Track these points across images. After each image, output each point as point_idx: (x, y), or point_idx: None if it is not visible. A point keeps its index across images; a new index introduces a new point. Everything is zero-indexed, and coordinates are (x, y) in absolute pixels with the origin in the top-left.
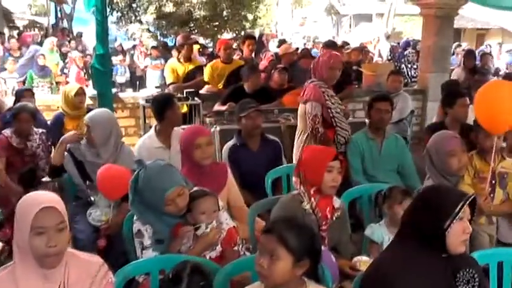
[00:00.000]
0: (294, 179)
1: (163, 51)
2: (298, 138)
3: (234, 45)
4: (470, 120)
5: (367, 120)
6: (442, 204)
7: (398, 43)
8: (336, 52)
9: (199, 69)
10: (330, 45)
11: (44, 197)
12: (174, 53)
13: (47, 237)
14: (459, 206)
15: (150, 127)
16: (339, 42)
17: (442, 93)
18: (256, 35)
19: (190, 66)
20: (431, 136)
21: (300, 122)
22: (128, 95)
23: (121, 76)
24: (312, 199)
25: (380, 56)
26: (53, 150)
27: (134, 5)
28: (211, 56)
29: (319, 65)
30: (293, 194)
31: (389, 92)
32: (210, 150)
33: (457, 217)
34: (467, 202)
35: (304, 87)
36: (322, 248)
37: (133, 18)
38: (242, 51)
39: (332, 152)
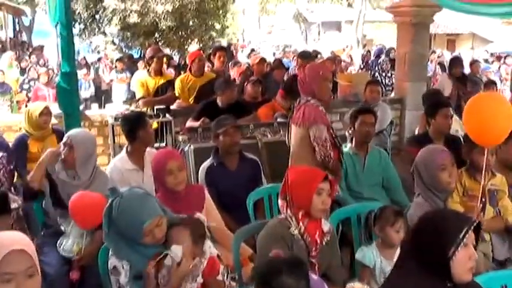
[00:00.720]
0: (280, 202)
1: (129, 64)
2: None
3: None
4: (454, 131)
5: (348, 134)
6: (445, 230)
7: (369, 51)
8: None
9: (171, 83)
10: (307, 56)
11: (10, 239)
12: (140, 65)
13: (15, 285)
14: (463, 232)
15: (120, 146)
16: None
17: (424, 104)
18: (224, 44)
19: (161, 81)
20: (419, 150)
21: (298, 146)
22: (95, 112)
23: (85, 91)
24: (301, 223)
25: (352, 64)
26: (16, 174)
27: (98, 16)
28: (178, 68)
29: (307, 81)
30: (280, 218)
31: (367, 103)
32: (182, 175)
33: (462, 244)
34: (472, 227)
35: (297, 109)
36: (314, 276)
37: (96, 30)
38: (212, 63)
39: (321, 173)
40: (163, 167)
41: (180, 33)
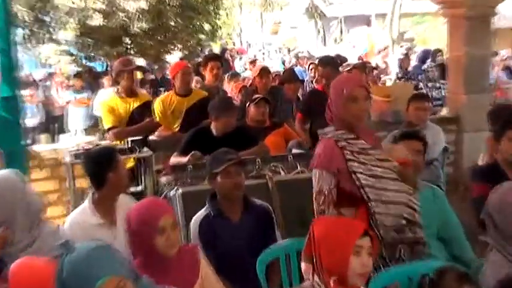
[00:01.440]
0: (303, 265)
1: (90, 81)
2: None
3: None
4: None
5: None
6: None
7: (406, 54)
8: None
9: (148, 106)
10: (328, 62)
11: None
12: (106, 82)
13: None
14: None
15: (82, 193)
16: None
17: (491, 123)
18: (217, 51)
19: (135, 103)
20: (487, 187)
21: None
22: (46, 147)
23: (32, 118)
24: None
25: (387, 72)
26: None
27: (47, 19)
28: (157, 85)
29: (331, 100)
30: (302, 287)
31: (411, 124)
32: (176, 235)
33: None
34: None
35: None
36: None
37: (46, 36)
38: (203, 77)
39: (359, 226)
40: (153, 225)
41: (158, 37)
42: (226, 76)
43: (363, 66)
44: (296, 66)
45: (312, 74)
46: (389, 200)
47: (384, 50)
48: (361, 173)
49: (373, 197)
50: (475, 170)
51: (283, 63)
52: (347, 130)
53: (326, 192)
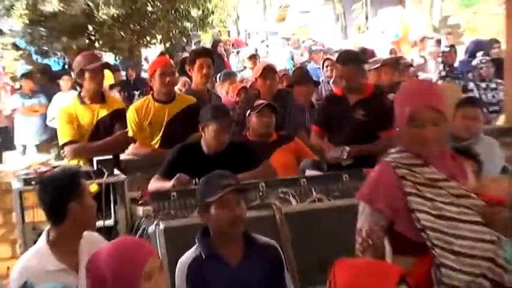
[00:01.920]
0: None
1: (44, 82)
2: None
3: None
4: None
5: None
6: None
7: (452, 46)
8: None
9: (120, 115)
10: (350, 59)
11: None
12: (64, 83)
13: None
14: None
15: (35, 229)
16: (355, 49)
17: None
18: (208, 42)
19: (103, 111)
20: None
21: None
22: None
23: None
24: None
25: (426, 69)
26: None
27: None
28: (129, 87)
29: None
30: None
31: (459, 138)
32: (164, 279)
33: None
34: None
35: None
36: None
37: None
38: (190, 78)
39: (395, 271)
40: (137, 271)
41: (131, 26)
42: (217, 77)
43: (395, 63)
44: (309, 62)
45: (329, 73)
46: (464, 251)
47: (422, 41)
48: (424, 212)
49: (440, 244)
50: None
51: (293, 59)
52: (414, 153)
53: (365, 233)
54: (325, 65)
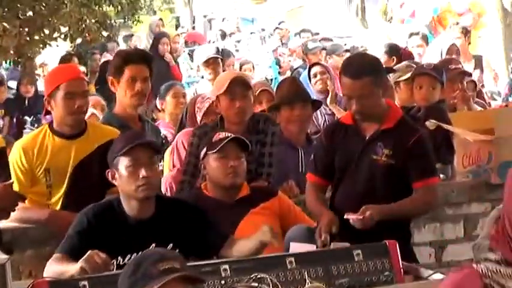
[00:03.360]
0: None
1: None
2: None
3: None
4: None
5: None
6: None
7: None
8: None
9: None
10: (367, 69)
11: None
12: None
13: None
14: None
15: None
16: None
17: None
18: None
19: None
20: None
21: None
22: None
23: None
24: None
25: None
26: None
27: None
28: (17, 110)
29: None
30: None
31: None
32: None
33: None
34: None
35: None
36: None
37: None
38: (113, 96)
39: None
40: None
41: (19, 15)
42: (160, 93)
43: (438, 70)
44: (305, 69)
45: (319, 86)
46: None
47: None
48: None
49: None
50: None
51: (279, 63)
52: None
53: None
54: (312, 72)
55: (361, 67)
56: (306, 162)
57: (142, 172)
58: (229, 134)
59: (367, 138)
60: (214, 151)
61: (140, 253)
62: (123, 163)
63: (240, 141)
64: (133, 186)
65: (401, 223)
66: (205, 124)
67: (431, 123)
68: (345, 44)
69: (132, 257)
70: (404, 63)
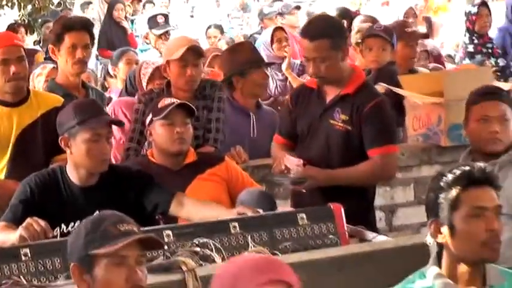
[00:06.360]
0: None
1: None
2: None
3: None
4: None
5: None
6: None
7: (484, 2)
8: None
9: None
10: (326, 30)
11: None
12: None
13: None
14: None
15: None
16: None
17: None
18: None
19: None
20: None
21: None
22: None
23: None
24: None
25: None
26: None
27: None
28: None
29: None
30: None
31: (481, 152)
32: None
33: None
34: None
35: None
36: None
37: None
38: (56, 63)
39: None
40: None
41: None
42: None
43: (389, 32)
44: (260, 33)
45: (279, 52)
46: None
47: None
48: None
49: None
50: None
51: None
52: None
53: None
54: (276, 37)
55: (318, 29)
56: (258, 127)
57: (103, 150)
58: (175, 100)
59: (327, 102)
60: (160, 117)
61: (96, 214)
62: (80, 139)
63: (186, 107)
64: (89, 161)
65: (362, 188)
66: (151, 90)
67: (381, 86)
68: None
69: (76, 225)
70: (360, 19)
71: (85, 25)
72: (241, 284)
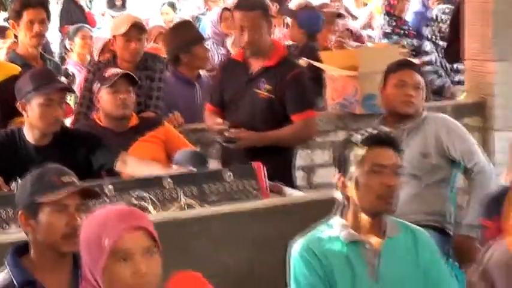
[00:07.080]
0: None
1: None
2: None
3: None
4: None
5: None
6: None
7: None
8: None
9: None
10: (257, 3)
11: None
12: None
13: None
14: None
15: None
16: None
17: None
18: None
19: None
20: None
21: None
22: None
23: None
24: None
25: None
26: None
27: None
28: None
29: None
30: None
31: (394, 115)
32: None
33: None
34: None
35: None
36: None
37: None
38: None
39: None
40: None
41: None
42: (69, 34)
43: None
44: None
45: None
46: None
47: None
48: None
49: None
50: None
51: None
52: None
53: None
54: (223, 16)
55: (253, 1)
56: (202, 94)
57: (55, 113)
58: (120, 70)
59: (252, 73)
60: (107, 85)
61: (41, 167)
62: (35, 102)
63: (129, 76)
64: (42, 122)
65: (283, 150)
66: (99, 61)
67: (303, 61)
68: None
69: None
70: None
71: (41, 2)
72: (107, 231)
